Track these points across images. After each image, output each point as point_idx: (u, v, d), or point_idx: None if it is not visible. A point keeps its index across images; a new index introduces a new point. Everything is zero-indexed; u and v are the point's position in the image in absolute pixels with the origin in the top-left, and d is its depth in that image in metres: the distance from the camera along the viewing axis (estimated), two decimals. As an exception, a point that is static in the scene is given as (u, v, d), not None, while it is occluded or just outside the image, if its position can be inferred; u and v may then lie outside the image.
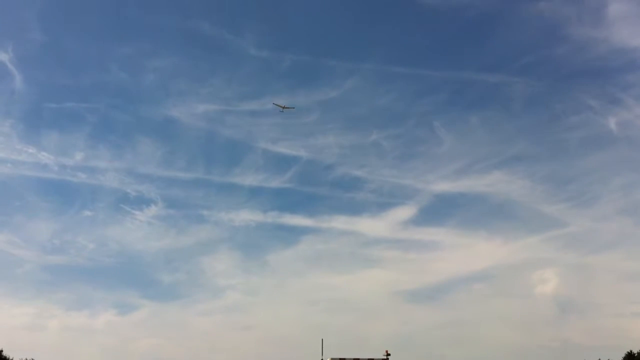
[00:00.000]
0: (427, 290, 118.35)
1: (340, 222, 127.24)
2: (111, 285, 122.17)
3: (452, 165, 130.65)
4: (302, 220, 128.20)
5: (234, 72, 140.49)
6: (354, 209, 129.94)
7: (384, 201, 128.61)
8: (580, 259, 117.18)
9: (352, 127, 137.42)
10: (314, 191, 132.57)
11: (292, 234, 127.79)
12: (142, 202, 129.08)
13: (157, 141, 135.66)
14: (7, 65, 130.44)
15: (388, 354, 54.59)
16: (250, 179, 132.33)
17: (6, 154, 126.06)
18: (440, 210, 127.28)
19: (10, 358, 75.76)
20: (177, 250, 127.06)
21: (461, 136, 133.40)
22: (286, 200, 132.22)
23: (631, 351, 77.23)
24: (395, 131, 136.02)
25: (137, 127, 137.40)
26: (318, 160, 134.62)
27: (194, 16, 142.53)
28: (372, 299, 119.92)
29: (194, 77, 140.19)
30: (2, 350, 74.99)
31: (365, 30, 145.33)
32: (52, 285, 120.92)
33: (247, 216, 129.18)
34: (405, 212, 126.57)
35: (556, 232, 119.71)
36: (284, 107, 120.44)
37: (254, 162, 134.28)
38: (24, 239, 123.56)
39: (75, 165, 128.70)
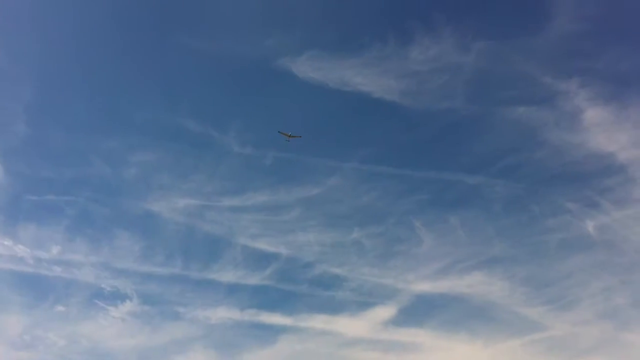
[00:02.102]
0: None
1: (319, 321, 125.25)
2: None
3: (432, 265, 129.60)
4: (280, 319, 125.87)
5: (216, 168, 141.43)
6: (333, 308, 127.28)
7: (364, 300, 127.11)
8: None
9: (333, 224, 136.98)
10: (293, 289, 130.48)
11: (270, 333, 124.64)
12: (116, 297, 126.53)
13: (135, 235, 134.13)
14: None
15: None
16: (228, 276, 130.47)
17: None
18: (420, 311, 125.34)
19: None
20: (151, 348, 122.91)
21: (441, 236, 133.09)
22: (265, 298, 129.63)
23: None
24: (376, 230, 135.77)
25: (116, 221, 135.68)
26: (298, 257, 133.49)
27: (181, 113, 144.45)
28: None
29: (176, 172, 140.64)
30: None
31: (348, 130, 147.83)
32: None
33: (224, 314, 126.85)
34: (385, 312, 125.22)
35: (537, 335, 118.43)
36: (290, 136, 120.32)
37: (233, 258, 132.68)
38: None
39: (51, 258, 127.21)
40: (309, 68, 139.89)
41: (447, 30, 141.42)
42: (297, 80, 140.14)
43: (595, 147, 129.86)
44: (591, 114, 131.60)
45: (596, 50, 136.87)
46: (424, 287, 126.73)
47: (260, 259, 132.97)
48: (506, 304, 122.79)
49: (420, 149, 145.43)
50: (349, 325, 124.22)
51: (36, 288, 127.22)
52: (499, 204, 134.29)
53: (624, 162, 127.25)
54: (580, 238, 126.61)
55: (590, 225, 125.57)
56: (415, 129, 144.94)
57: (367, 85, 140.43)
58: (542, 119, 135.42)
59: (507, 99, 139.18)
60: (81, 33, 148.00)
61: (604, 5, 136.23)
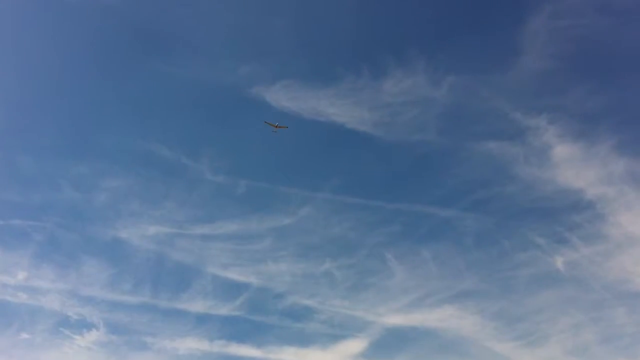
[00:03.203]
0: None
1: (289, 353, 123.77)
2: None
3: (403, 298, 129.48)
4: (250, 350, 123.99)
5: (188, 195, 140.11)
6: (304, 340, 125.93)
7: (335, 333, 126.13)
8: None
9: (304, 255, 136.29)
10: (263, 320, 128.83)
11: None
12: (82, 326, 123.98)
13: (103, 262, 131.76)
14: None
15: None
16: (198, 305, 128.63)
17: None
18: (391, 344, 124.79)
19: None
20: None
21: (413, 269, 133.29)
22: (234, 329, 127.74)
23: None
24: (347, 261, 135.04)
25: (84, 248, 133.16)
26: (269, 287, 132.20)
27: (153, 139, 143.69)
28: None
29: (147, 198, 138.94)
30: None
31: (321, 160, 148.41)
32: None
33: (192, 344, 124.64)
34: (356, 345, 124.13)
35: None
36: (277, 126, 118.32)
37: (203, 288, 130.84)
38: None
39: (16, 284, 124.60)
40: (282, 97, 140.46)
41: (419, 64, 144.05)
42: (271, 109, 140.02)
43: (564, 183, 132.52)
44: (560, 150, 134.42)
45: (565, 87, 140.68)
46: (395, 320, 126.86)
47: (231, 289, 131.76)
48: (477, 338, 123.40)
49: (392, 181, 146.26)
50: (319, 358, 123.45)
51: (1, 314, 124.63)
52: (470, 237, 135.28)
53: (592, 199, 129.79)
54: (549, 274, 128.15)
55: (559, 261, 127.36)
56: (387, 161, 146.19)
57: (340, 116, 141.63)
58: (512, 154, 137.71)
59: (478, 133, 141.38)
60: (52, 56, 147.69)
61: (573, 43, 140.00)
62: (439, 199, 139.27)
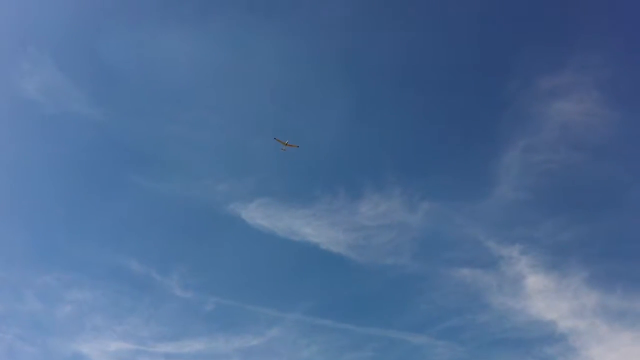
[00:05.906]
0: None
1: None
2: None
3: None
4: None
5: (155, 311, 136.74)
6: None
7: None
8: None
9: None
10: None
11: None
12: None
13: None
14: None
15: None
16: None
17: None
18: None
19: None
20: None
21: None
22: None
23: None
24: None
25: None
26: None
27: (126, 253, 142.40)
28: None
29: (112, 313, 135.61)
30: None
31: (293, 280, 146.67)
32: None
33: None
34: None
35: None
36: (286, 144, 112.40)
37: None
38: None
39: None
40: (258, 215, 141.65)
41: (396, 189, 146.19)
42: (246, 227, 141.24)
43: (537, 314, 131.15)
44: (532, 280, 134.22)
45: (537, 219, 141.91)
46: None
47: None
48: None
49: (364, 304, 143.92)
50: None
51: None
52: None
53: (564, 331, 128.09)
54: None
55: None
56: (360, 283, 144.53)
57: (315, 236, 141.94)
58: (485, 282, 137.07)
59: (452, 259, 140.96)
60: (26, 165, 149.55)
61: (545, 177, 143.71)
62: (411, 325, 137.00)
